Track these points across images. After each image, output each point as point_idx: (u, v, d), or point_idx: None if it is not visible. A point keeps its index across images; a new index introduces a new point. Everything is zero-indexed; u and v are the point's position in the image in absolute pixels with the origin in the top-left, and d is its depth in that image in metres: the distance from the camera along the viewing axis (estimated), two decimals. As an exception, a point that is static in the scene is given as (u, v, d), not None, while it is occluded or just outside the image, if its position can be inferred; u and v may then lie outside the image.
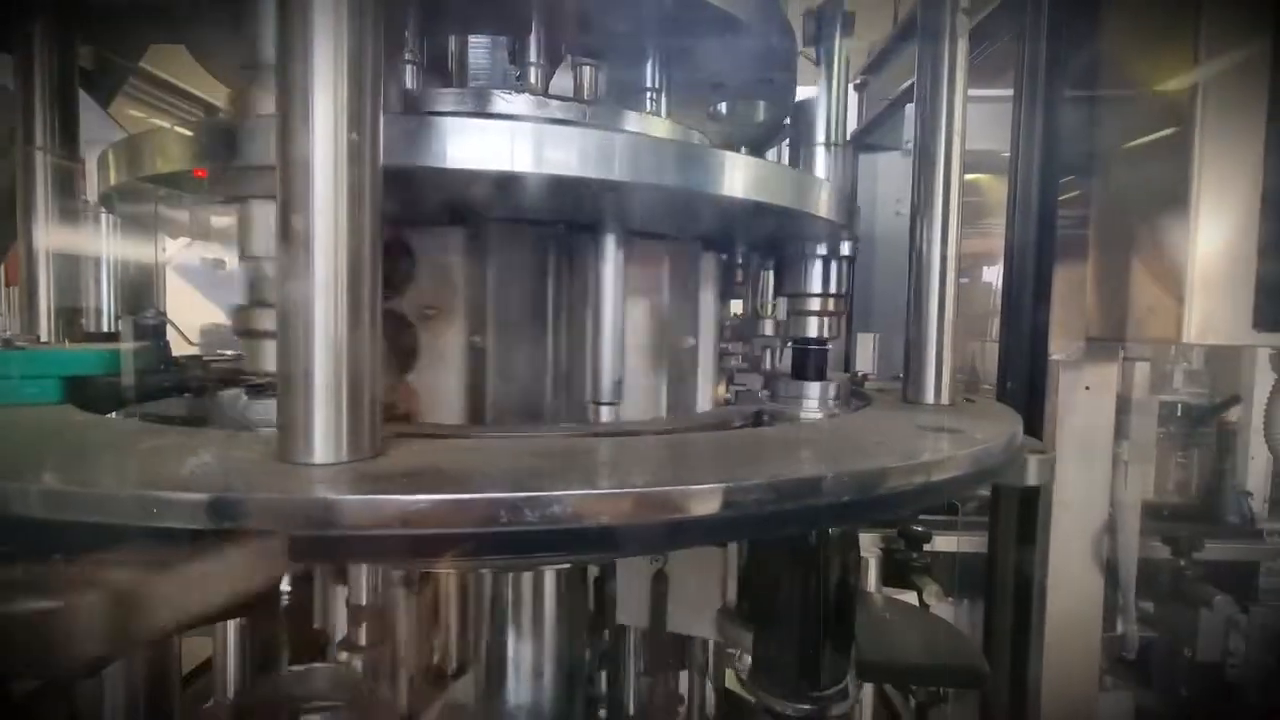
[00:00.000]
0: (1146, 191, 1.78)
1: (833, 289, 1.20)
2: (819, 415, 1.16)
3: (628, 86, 1.15)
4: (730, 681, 1.53)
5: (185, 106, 2.47)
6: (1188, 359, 3.19)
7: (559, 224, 0.97)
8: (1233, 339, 1.65)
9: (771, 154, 1.65)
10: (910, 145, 1.27)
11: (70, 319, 1.59)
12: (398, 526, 0.57)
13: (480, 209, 0.92)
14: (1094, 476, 2.12)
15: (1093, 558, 2.16)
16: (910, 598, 2.32)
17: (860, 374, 1.60)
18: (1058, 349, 1.97)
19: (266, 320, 0.81)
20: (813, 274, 1.19)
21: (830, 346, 1.24)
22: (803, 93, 1.19)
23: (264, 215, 0.78)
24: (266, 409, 0.86)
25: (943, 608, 2.37)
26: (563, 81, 1.06)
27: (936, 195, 1.17)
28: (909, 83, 2.15)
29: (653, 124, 1.04)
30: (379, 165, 0.64)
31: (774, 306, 1.43)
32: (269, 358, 0.79)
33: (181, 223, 1.16)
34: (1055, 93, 1.78)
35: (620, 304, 0.93)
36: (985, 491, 1.97)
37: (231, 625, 1.51)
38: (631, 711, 1.39)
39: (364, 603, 1.10)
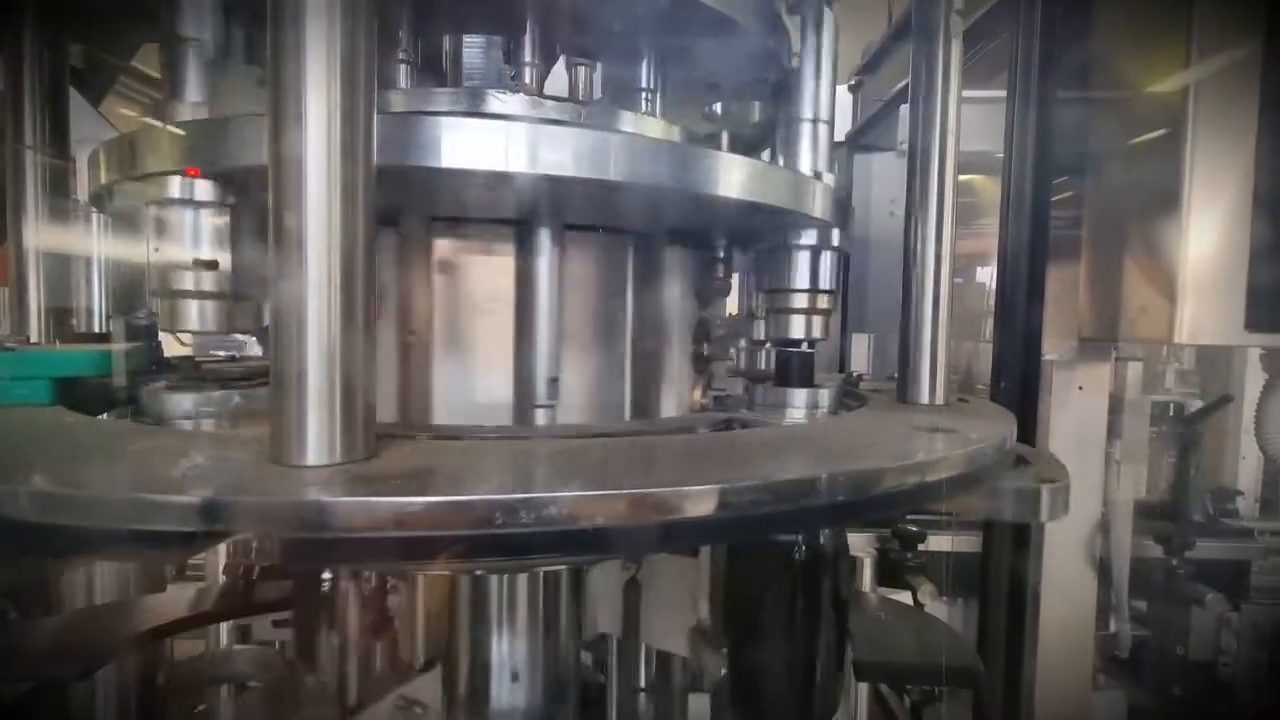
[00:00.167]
0: (1139, 192, 1.79)
1: (822, 284, 1.08)
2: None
3: (623, 86, 1.14)
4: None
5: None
6: (1179, 359, 3.21)
7: (509, 221, 0.93)
8: (1224, 339, 1.66)
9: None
10: (905, 146, 1.24)
11: (61, 319, 1.58)
12: (392, 529, 0.56)
13: (420, 208, 0.90)
14: (1087, 476, 2.13)
15: (1086, 557, 2.17)
16: (905, 598, 2.33)
17: (855, 374, 1.60)
18: (1051, 349, 1.97)
19: (186, 281, 0.80)
20: (798, 267, 1.08)
21: (816, 349, 1.13)
22: None
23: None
24: (179, 402, 0.87)
25: (937, 607, 2.37)
26: (557, 83, 1.06)
27: (931, 196, 1.17)
28: (903, 83, 2.16)
29: (647, 124, 1.02)
30: (372, 164, 0.64)
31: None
32: (190, 319, 0.81)
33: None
34: (1048, 94, 1.79)
35: (554, 301, 0.90)
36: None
37: (224, 627, 1.51)
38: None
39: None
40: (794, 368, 1.10)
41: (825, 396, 1.08)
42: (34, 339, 1.55)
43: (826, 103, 1.10)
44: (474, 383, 0.94)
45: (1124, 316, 1.85)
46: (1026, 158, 1.81)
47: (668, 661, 1.33)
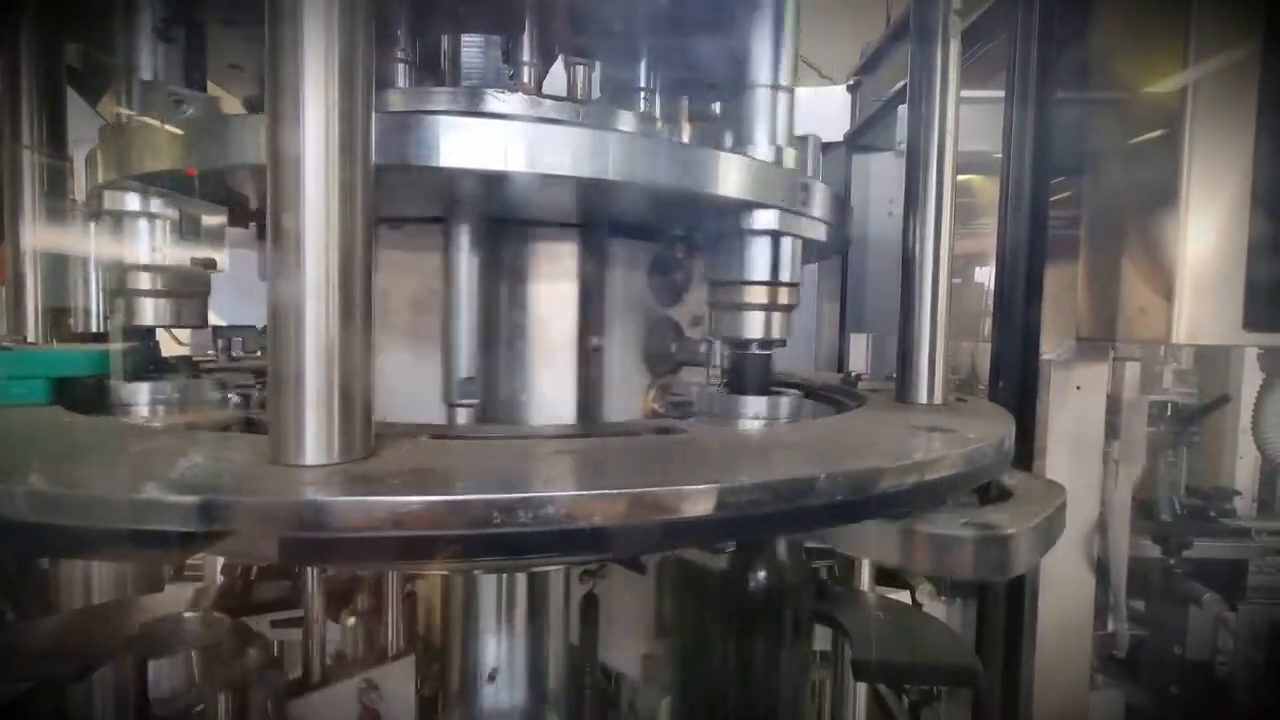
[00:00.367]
0: (1137, 193, 1.79)
1: (783, 276, 0.93)
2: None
3: (622, 85, 1.14)
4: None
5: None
6: (1177, 359, 3.21)
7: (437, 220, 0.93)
8: (1222, 339, 1.66)
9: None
10: (903, 146, 1.23)
11: (58, 319, 1.58)
12: (390, 528, 0.56)
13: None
14: (1084, 476, 2.13)
15: (1083, 557, 2.18)
16: (903, 597, 2.33)
17: (854, 374, 1.60)
18: (1049, 349, 1.97)
19: (143, 280, 0.92)
20: (754, 256, 0.92)
21: (773, 351, 0.99)
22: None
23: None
24: (134, 391, 0.94)
25: (935, 607, 2.37)
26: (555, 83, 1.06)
27: (929, 196, 1.17)
28: (902, 84, 2.16)
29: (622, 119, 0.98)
30: (370, 163, 0.64)
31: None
32: (146, 314, 0.93)
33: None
34: (1046, 94, 1.79)
35: (473, 297, 0.90)
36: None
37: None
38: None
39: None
40: (749, 371, 0.96)
41: (784, 406, 0.95)
42: (31, 339, 1.55)
43: (788, 66, 0.95)
44: (399, 382, 0.95)
45: (1122, 316, 1.85)
46: (1025, 158, 1.81)
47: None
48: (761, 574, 0.93)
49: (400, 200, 0.89)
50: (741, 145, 0.96)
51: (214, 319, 1.07)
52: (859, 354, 2.66)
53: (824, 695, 1.48)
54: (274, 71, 0.60)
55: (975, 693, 1.98)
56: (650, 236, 1.08)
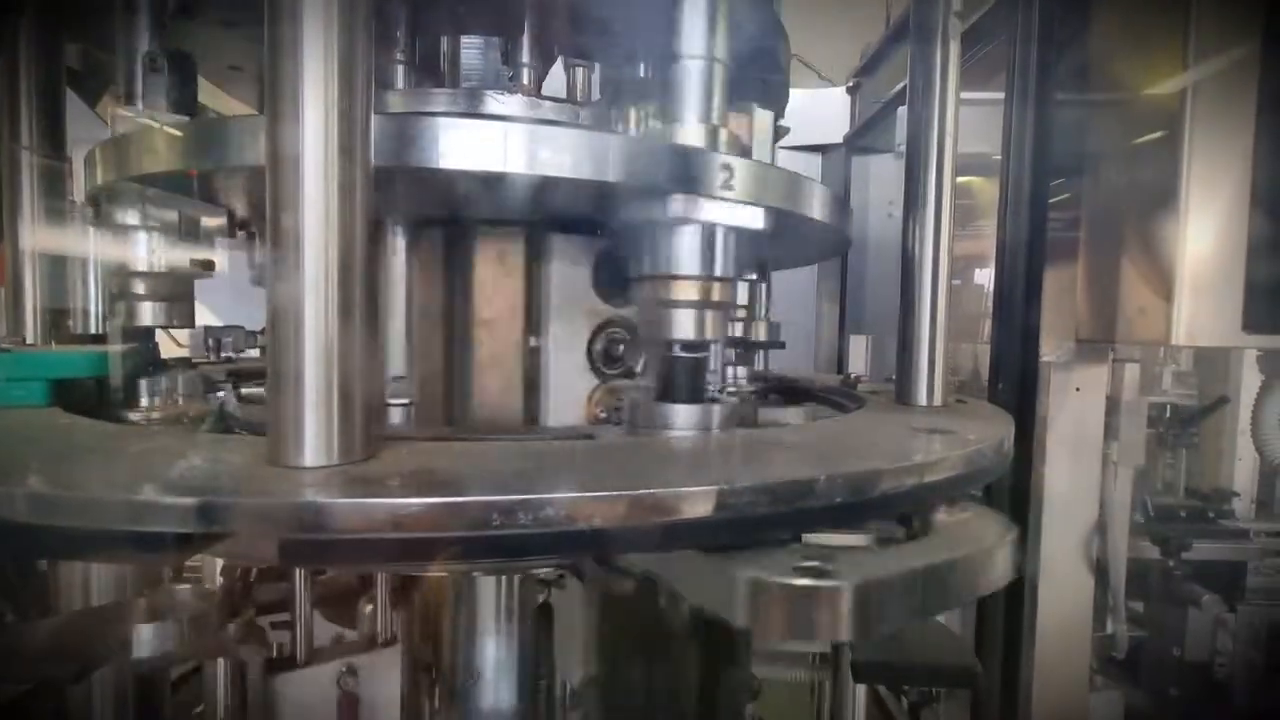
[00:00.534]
0: (1137, 194, 1.79)
1: (717, 270, 0.84)
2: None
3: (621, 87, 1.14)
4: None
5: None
6: (1176, 361, 3.21)
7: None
8: (1222, 340, 1.66)
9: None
10: (903, 148, 1.23)
11: (57, 320, 1.58)
12: (390, 530, 0.56)
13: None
14: (1084, 477, 2.13)
15: (1082, 558, 2.17)
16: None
17: (853, 375, 1.60)
18: (1048, 350, 1.97)
19: (140, 285, 0.96)
20: (682, 248, 0.82)
21: (708, 353, 0.90)
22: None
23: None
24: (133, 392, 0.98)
25: (935, 608, 2.37)
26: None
27: (929, 197, 1.17)
28: (901, 85, 2.16)
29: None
30: (370, 164, 0.64)
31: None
32: (146, 317, 0.96)
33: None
34: (1046, 95, 1.79)
35: (402, 297, 0.92)
36: (977, 492, 1.98)
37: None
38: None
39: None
40: (679, 377, 0.86)
41: (716, 415, 0.86)
42: (30, 340, 1.55)
43: (723, 37, 0.84)
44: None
45: (1121, 318, 1.85)
46: (1024, 159, 1.81)
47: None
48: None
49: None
50: (669, 123, 0.86)
51: (214, 319, 1.08)
52: (858, 355, 2.66)
53: (824, 695, 1.48)
54: (273, 71, 0.60)
55: (974, 694, 1.98)
56: (592, 231, 0.98)
